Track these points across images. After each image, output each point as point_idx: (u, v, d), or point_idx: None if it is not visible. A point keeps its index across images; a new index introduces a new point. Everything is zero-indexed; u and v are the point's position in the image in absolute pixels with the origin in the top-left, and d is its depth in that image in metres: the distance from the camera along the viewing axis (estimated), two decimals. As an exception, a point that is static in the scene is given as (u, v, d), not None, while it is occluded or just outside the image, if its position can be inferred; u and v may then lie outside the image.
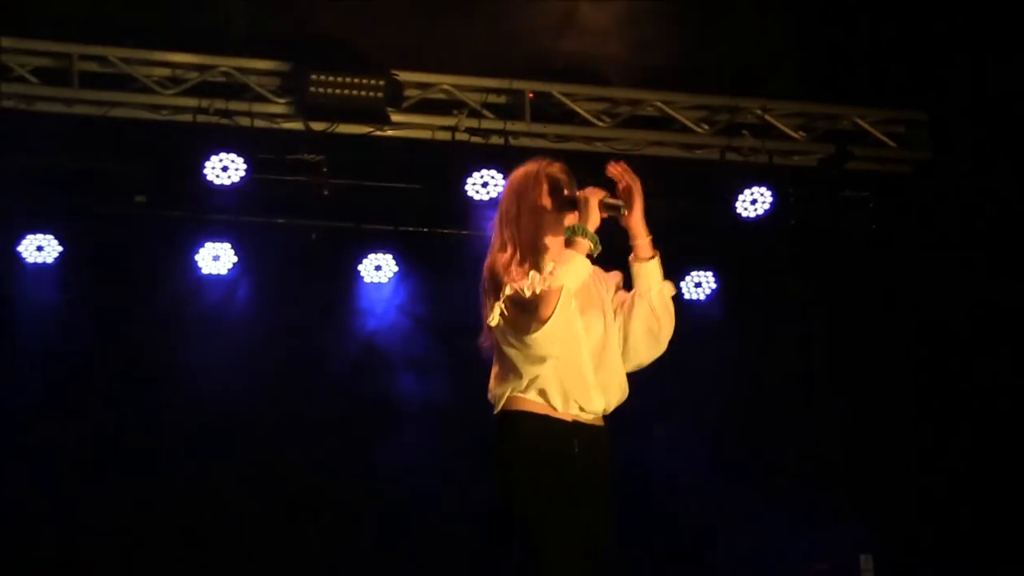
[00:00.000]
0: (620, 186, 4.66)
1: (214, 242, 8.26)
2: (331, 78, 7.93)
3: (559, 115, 8.48)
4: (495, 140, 8.32)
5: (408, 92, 8.21)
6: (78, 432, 8.03)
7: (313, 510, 8.31)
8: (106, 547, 7.97)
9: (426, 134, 8.29)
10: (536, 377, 4.52)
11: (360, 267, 8.51)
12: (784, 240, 8.74)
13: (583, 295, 4.60)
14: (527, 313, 4.41)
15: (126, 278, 8.20)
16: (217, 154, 7.95)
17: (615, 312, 4.74)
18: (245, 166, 7.98)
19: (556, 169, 4.73)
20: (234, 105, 7.99)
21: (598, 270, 4.71)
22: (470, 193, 8.22)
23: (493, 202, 8.05)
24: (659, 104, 8.56)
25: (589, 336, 4.61)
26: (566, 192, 4.66)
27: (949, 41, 8.37)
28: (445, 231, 8.48)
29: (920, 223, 8.74)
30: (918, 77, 8.65)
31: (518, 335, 4.45)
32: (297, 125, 8.11)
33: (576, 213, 4.58)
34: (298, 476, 8.34)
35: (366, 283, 8.53)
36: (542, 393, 4.54)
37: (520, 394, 4.56)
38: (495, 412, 4.61)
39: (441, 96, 8.33)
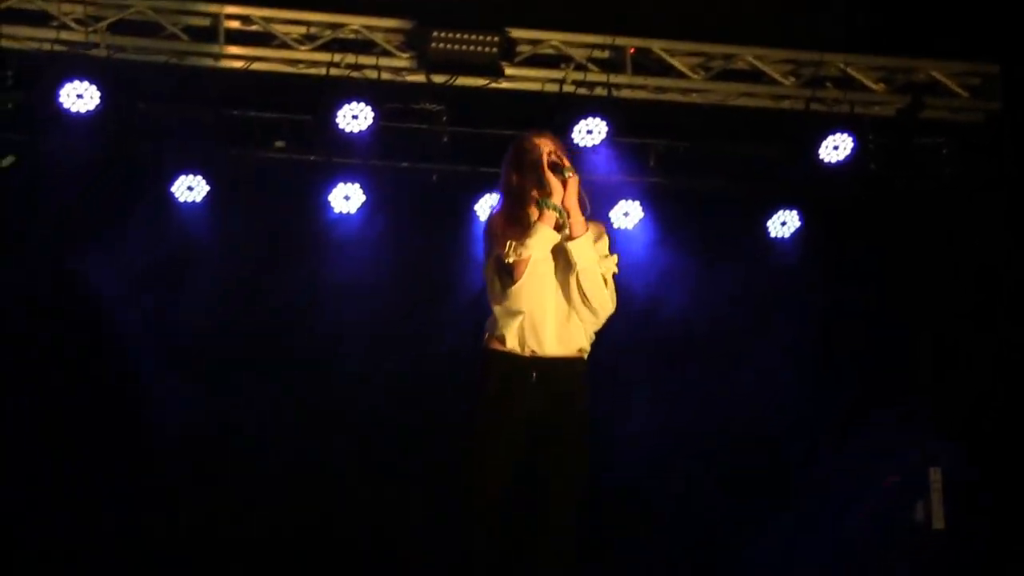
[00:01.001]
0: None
1: (345, 183, 8.66)
2: (451, 35, 8.35)
3: (658, 69, 8.80)
4: (599, 92, 8.65)
5: (520, 48, 8.60)
6: (228, 346, 8.68)
7: (438, 432, 8.48)
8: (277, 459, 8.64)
9: (536, 86, 8.66)
10: (505, 325, 5.38)
11: (476, 206, 8.85)
12: (864, 183, 8.96)
13: (564, 257, 5.35)
14: (506, 275, 5.27)
15: (266, 215, 8.66)
16: (348, 104, 8.31)
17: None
18: (373, 115, 8.35)
19: (525, 146, 5.46)
20: (363, 59, 8.39)
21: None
22: (576, 140, 8.49)
23: (596, 148, 8.57)
24: (750, 59, 8.89)
25: (557, 295, 5.39)
26: (535, 162, 5.36)
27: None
28: (553, 174, 8.96)
29: (991, 168, 9.00)
30: (994, 31, 8.89)
31: (499, 291, 5.33)
32: (420, 78, 8.50)
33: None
34: (421, 403, 8.78)
35: (481, 221, 8.66)
36: (501, 338, 5.40)
37: (491, 336, 5.43)
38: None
39: (550, 51, 8.68)
